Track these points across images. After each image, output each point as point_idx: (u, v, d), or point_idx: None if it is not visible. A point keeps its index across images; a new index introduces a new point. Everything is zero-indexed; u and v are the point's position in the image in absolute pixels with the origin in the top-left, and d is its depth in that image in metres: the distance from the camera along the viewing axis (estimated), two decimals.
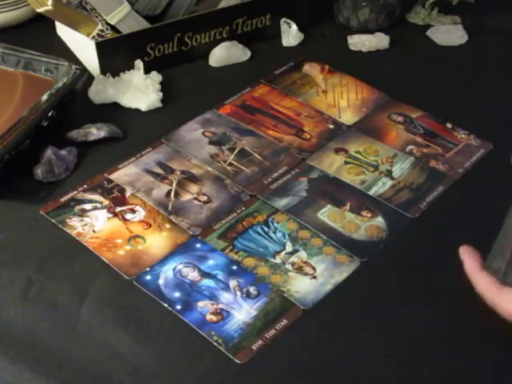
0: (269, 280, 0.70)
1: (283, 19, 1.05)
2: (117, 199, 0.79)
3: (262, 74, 0.99)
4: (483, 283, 0.60)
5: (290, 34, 1.05)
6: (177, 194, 0.79)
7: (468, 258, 0.61)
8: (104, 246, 0.73)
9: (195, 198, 0.79)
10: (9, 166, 0.79)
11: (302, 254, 0.72)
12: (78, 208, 0.78)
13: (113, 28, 0.96)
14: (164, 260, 0.72)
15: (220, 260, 0.72)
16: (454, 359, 0.63)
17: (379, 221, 0.76)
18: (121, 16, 0.96)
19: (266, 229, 0.75)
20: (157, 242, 0.74)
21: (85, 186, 0.80)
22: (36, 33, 1.07)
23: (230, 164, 0.84)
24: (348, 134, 0.89)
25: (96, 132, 0.86)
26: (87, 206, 0.78)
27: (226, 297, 0.68)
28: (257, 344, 0.63)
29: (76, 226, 0.75)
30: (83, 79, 0.88)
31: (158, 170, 0.83)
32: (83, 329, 0.65)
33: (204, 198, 0.79)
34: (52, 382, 0.61)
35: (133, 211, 0.77)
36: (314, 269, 0.71)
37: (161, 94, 0.93)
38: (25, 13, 1.08)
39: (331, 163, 0.84)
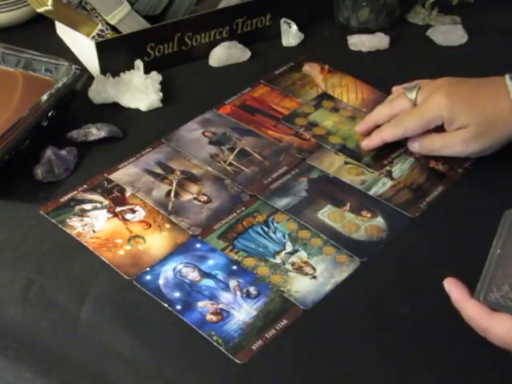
0: (269, 280, 0.70)
1: (283, 19, 1.05)
2: (117, 199, 0.79)
3: (262, 74, 0.99)
4: (473, 309, 0.59)
5: (290, 34, 1.05)
6: (177, 194, 0.79)
7: (454, 287, 0.61)
8: (104, 246, 0.73)
9: (195, 198, 0.79)
10: (9, 165, 0.79)
11: (302, 254, 0.72)
12: (78, 208, 0.78)
13: (113, 28, 0.96)
14: (164, 260, 0.72)
15: (220, 260, 0.72)
16: (455, 359, 0.63)
17: (379, 221, 0.76)
18: (121, 16, 0.96)
19: (265, 229, 0.75)
20: (157, 242, 0.74)
21: (85, 186, 0.80)
22: (36, 33, 1.06)
23: (230, 164, 0.84)
24: None
25: (96, 132, 0.86)
26: (87, 206, 0.78)
27: (226, 297, 0.68)
28: (257, 344, 0.63)
29: (76, 225, 0.75)
30: (83, 79, 0.88)
31: (158, 170, 0.83)
32: (83, 329, 0.65)
33: (204, 198, 0.79)
34: (52, 382, 0.61)
35: (133, 211, 0.77)
36: (313, 269, 0.71)
37: (161, 94, 0.93)
38: (25, 13, 1.08)
39: (331, 163, 0.84)
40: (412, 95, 0.81)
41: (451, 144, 0.80)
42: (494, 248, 0.61)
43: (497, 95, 0.78)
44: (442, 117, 0.78)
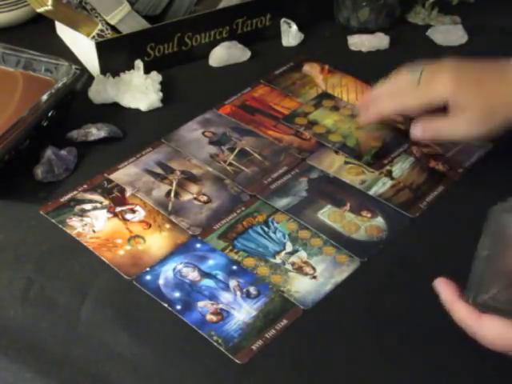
0: (269, 280, 0.70)
1: (283, 19, 1.05)
2: (117, 199, 0.79)
3: (262, 74, 0.99)
4: (463, 311, 0.58)
5: (290, 34, 1.06)
6: (177, 194, 0.79)
7: (444, 288, 0.60)
8: (104, 246, 0.73)
9: (195, 198, 0.79)
10: (9, 165, 0.79)
11: (302, 254, 0.72)
12: (77, 208, 0.78)
13: (113, 28, 0.96)
14: (164, 260, 0.72)
15: (220, 260, 0.72)
16: (455, 359, 0.63)
17: (379, 221, 0.76)
18: (121, 16, 0.96)
19: (265, 229, 0.75)
20: (157, 242, 0.74)
21: (85, 186, 0.80)
22: (36, 33, 1.07)
23: (230, 164, 0.84)
24: None
25: (96, 132, 0.86)
26: (87, 206, 0.78)
27: (226, 297, 0.68)
28: (257, 344, 0.63)
29: (76, 225, 0.75)
30: (83, 79, 0.88)
31: (158, 170, 0.83)
32: (83, 329, 0.65)
33: (204, 198, 0.79)
34: (52, 382, 0.61)
35: (133, 211, 0.77)
36: (314, 269, 0.71)
37: (161, 94, 0.93)
38: (25, 13, 1.08)
39: (331, 163, 0.84)
40: (416, 74, 0.78)
41: (455, 127, 0.77)
42: (480, 248, 0.59)
43: (502, 77, 0.76)
44: (444, 98, 0.76)
